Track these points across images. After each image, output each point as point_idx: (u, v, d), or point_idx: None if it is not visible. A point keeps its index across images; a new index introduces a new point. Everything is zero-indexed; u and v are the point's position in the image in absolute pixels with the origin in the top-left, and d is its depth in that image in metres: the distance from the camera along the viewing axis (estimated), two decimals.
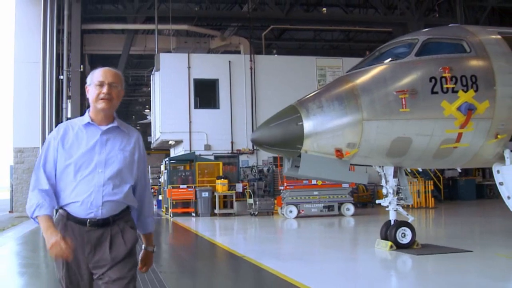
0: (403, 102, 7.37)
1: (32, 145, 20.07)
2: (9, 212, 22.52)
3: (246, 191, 18.49)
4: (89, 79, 2.86)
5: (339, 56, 25.45)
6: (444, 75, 7.52)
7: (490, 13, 26.70)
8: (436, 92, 7.52)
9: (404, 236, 8.22)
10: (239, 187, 18.90)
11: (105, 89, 2.77)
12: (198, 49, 24.39)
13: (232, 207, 18.19)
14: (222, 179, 18.14)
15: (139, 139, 2.94)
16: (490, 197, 22.94)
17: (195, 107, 21.61)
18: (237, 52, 24.72)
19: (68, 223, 2.75)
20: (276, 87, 21.78)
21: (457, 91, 7.52)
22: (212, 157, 21.02)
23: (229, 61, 22.30)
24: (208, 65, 22.14)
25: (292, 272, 6.81)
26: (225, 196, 18.42)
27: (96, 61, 25.51)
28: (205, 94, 22.03)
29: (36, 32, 20.18)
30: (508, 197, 7.95)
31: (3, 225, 16.27)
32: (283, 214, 16.06)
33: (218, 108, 22.01)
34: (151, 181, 23.76)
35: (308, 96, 7.77)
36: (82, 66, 20.98)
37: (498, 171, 8.13)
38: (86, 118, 2.83)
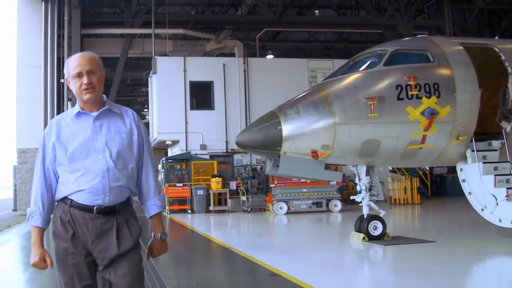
0: (372, 108, 8.19)
1: (35, 146, 20.50)
2: (13, 210, 23.14)
3: (240, 189, 19.20)
4: (66, 71, 2.74)
5: (334, 56, 26.13)
6: (409, 83, 8.33)
7: (478, 14, 27.33)
8: (402, 99, 8.33)
9: (376, 228, 9.00)
10: (233, 185, 19.60)
11: (85, 80, 2.66)
12: (194, 52, 24.99)
13: (226, 204, 18.89)
14: (217, 178, 18.84)
15: (134, 118, 2.84)
16: None
17: (191, 108, 22.18)
18: (232, 55, 25.28)
19: (70, 210, 2.68)
20: (269, 88, 22.26)
21: (421, 98, 8.33)
22: (207, 157, 21.59)
23: (224, 64, 22.88)
24: (203, 68, 22.72)
25: (281, 263, 7.32)
26: (219, 194, 19.08)
27: None
28: (201, 95, 22.59)
29: (38, 37, 20.81)
30: (470, 193, 8.84)
31: (8, 222, 16.90)
32: (274, 211, 16.76)
33: (213, 109, 22.58)
34: None
35: (287, 103, 8.60)
36: None
37: (461, 169, 8.99)
38: (76, 108, 2.75)
